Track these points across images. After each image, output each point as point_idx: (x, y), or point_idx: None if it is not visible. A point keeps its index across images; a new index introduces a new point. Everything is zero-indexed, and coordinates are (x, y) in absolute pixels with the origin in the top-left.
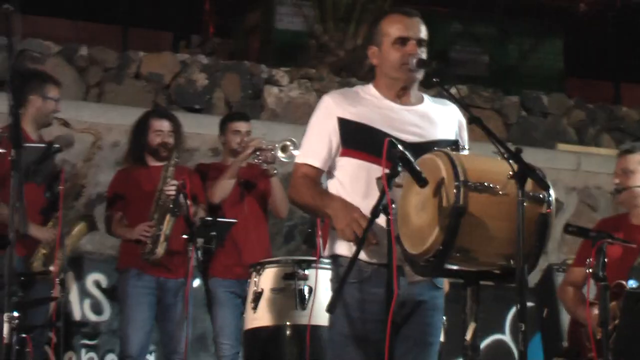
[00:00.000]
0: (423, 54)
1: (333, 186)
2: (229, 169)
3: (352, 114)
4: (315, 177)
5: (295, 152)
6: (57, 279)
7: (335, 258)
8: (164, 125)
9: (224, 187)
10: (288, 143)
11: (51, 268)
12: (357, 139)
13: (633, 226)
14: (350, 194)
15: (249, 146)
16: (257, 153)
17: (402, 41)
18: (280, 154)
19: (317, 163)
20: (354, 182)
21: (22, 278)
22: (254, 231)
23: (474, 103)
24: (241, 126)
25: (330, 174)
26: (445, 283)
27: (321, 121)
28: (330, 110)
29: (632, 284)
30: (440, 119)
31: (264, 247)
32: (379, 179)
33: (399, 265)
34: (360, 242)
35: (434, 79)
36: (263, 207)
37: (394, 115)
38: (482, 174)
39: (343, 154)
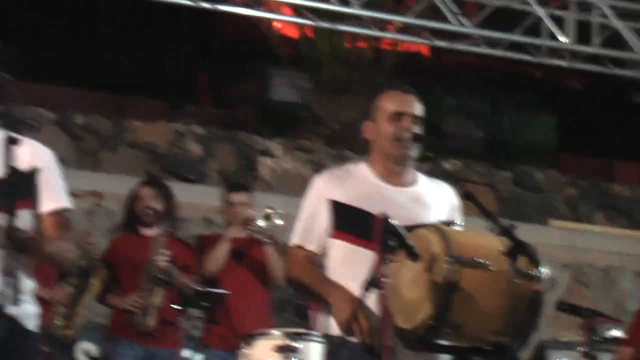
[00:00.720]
0: (418, 130)
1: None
2: (221, 240)
3: (343, 195)
4: (314, 260)
5: (277, 222)
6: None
7: (329, 338)
8: (148, 191)
9: (216, 258)
10: (270, 211)
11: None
12: (347, 222)
13: None
14: (340, 277)
15: (238, 217)
16: (248, 224)
17: (398, 116)
18: (262, 223)
19: (313, 247)
20: (344, 265)
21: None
22: (250, 300)
23: (467, 177)
24: (234, 197)
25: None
26: None
27: (312, 203)
28: (321, 193)
29: None
30: (433, 202)
31: (263, 314)
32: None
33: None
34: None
35: (428, 154)
36: (260, 275)
37: (385, 198)
38: (474, 249)
39: (334, 236)
